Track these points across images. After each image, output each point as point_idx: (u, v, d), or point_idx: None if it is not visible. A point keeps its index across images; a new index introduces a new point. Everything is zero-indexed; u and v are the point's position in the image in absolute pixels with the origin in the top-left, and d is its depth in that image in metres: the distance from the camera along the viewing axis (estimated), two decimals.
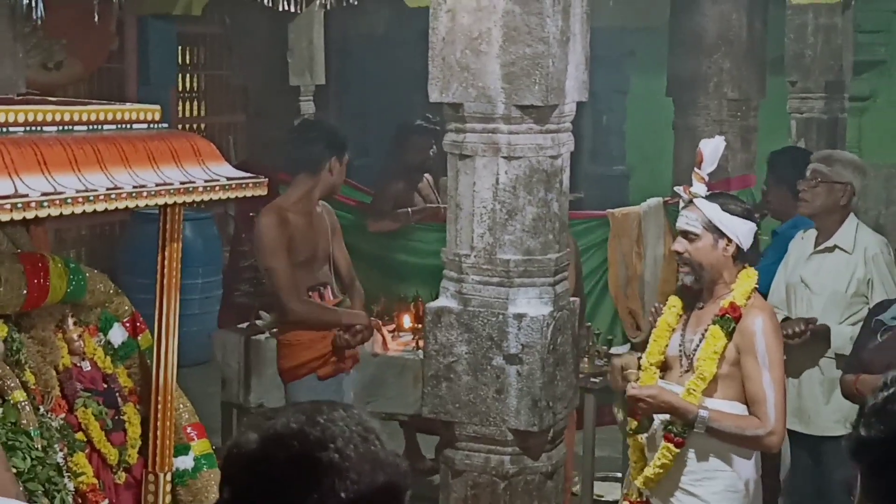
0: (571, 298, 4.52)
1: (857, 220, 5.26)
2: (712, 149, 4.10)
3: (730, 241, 4.01)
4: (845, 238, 5.18)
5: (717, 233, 4.00)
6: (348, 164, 5.56)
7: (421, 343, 5.59)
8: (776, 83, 8.08)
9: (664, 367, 4.13)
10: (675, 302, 4.17)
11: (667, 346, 4.12)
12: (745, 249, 4.08)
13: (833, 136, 8.25)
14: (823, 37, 8.23)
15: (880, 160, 9.95)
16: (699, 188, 4.06)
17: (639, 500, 4.14)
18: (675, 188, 4.23)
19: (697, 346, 4.02)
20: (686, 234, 4.04)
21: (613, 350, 6.01)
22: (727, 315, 3.96)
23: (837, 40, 8.25)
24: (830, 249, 5.20)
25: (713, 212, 4.00)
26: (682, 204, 4.12)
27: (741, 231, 4.02)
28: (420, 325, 5.88)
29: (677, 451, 3.96)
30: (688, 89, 7.33)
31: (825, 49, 8.22)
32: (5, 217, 2.82)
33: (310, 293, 5.41)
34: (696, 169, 4.10)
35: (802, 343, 5.05)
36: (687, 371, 4.04)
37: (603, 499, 6.11)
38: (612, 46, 10.34)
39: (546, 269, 4.28)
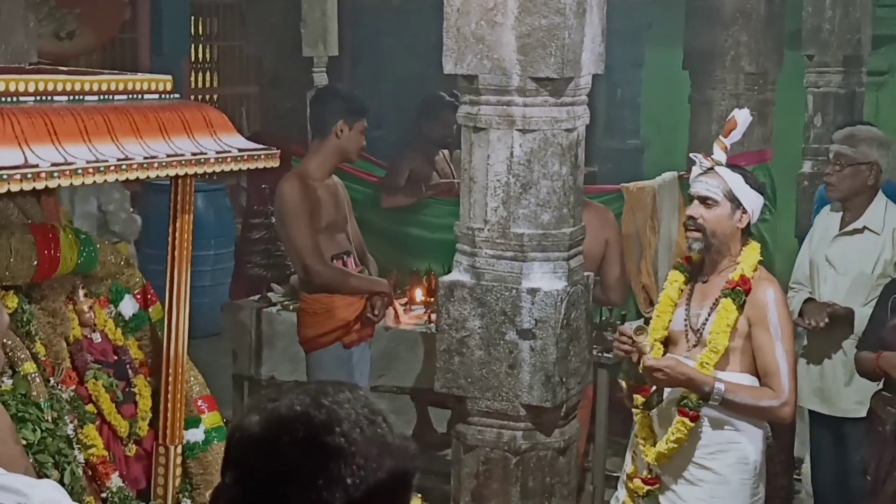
0: (585, 273, 4.49)
1: (885, 199, 5.17)
2: (743, 120, 4.08)
3: (744, 212, 3.99)
4: (874, 218, 5.10)
5: (736, 203, 3.99)
6: (364, 131, 5.50)
7: (433, 317, 5.58)
8: (793, 57, 8.01)
9: (668, 343, 4.10)
10: (676, 276, 4.15)
11: (670, 321, 4.10)
12: (752, 224, 4.07)
13: (850, 110, 8.19)
14: (841, 10, 8.16)
15: None
16: (720, 156, 4.04)
17: (650, 477, 4.11)
18: (692, 155, 4.18)
19: (706, 320, 3.99)
20: (704, 200, 4.01)
21: (626, 325, 5.98)
22: (738, 287, 3.94)
23: (856, 14, 8.18)
24: (859, 230, 5.12)
25: (737, 182, 3.99)
26: (697, 170, 4.08)
27: (756, 205, 4.04)
28: (432, 299, 5.87)
29: (692, 424, 3.94)
30: (704, 62, 7.26)
31: (843, 23, 8.15)
32: (16, 187, 2.80)
33: (333, 261, 5.41)
34: (721, 137, 4.07)
35: (825, 326, 5.01)
36: (695, 345, 4.02)
37: (615, 474, 6.08)
38: (629, 18, 10.27)
39: (560, 243, 4.25)
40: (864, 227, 5.11)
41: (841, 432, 5.18)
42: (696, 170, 4.10)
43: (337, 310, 5.37)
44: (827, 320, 5.01)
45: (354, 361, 5.46)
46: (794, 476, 5.81)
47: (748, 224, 4.04)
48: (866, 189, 5.11)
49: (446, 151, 7.20)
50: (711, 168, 4.03)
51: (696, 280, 4.11)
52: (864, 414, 5.03)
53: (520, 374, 4.23)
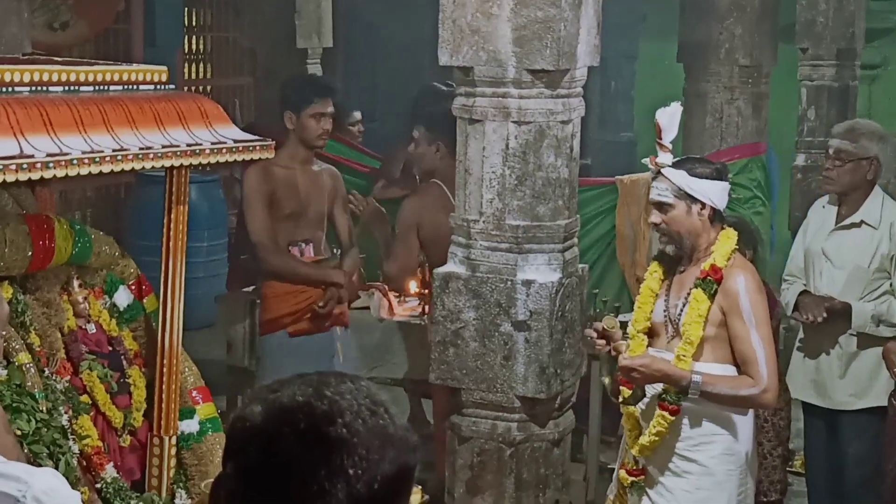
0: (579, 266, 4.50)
1: (882, 194, 5.16)
2: (669, 117, 4.07)
3: (703, 204, 3.98)
4: (871, 213, 5.08)
5: (689, 199, 3.97)
6: (320, 116, 5.43)
7: (427, 308, 5.56)
8: (787, 50, 8.02)
9: (651, 334, 4.10)
10: (655, 267, 4.15)
11: (652, 312, 4.10)
12: (721, 209, 4.04)
13: (844, 103, 8.20)
14: (835, 4, 8.17)
15: (890, 128, 9.85)
16: (665, 157, 4.02)
17: (634, 468, 4.12)
18: (643, 160, 4.18)
19: (682, 310, 3.99)
20: (659, 206, 4.01)
21: (620, 318, 5.99)
22: (709, 277, 3.94)
23: (849, 7, 8.19)
24: (857, 224, 5.11)
25: (681, 178, 3.97)
26: (651, 175, 4.09)
27: (713, 192, 3.99)
28: (426, 291, 5.86)
29: (672, 418, 3.94)
30: (699, 55, 7.27)
31: (837, 16, 8.16)
32: (10, 178, 2.80)
33: (289, 248, 5.41)
34: (657, 139, 4.06)
35: (823, 321, 5.01)
36: (674, 337, 4.02)
37: (609, 466, 6.10)
38: (624, 11, 10.26)
39: (555, 235, 4.25)
40: (862, 221, 5.10)
41: (835, 425, 5.18)
42: (650, 175, 4.11)
43: (287, 296, 5.37)
44: (825, 314, 5.01)
45: (307, 356, 5.32)
46: (787, 468, 5.82)
47: (714, 212, 4.01)
48: (864, 183, 5.10)
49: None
50: (659, 172, 4.03)
51: (676, 271, 4.11)
52: (858, 406, 5.05)
53: (514, 365, 4.23)
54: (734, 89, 7.12)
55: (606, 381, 4.10)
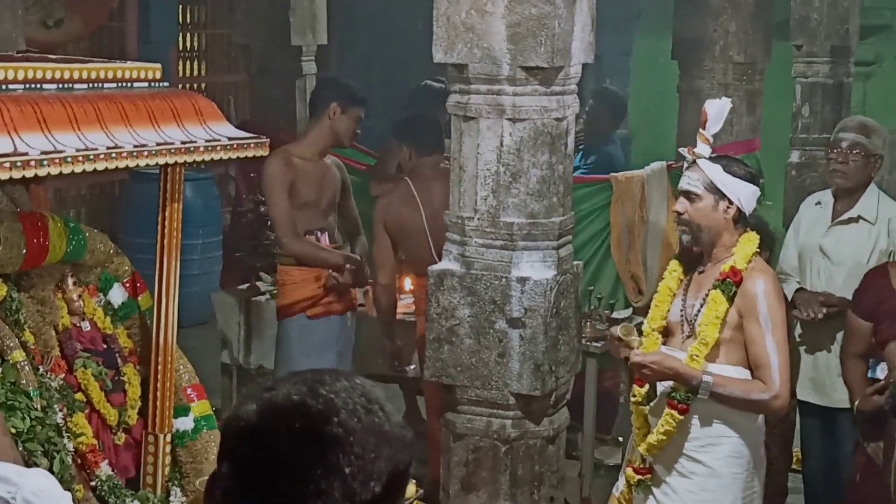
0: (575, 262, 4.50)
1: (878, 190, 5.15)
2: (717, 109, 4.05)
3: (731, 203, 3.97)
4: (868, 208, 5.08)
5: (718, 194, 3.96)
6: (358, 120, 5.59)
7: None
8: (782, 47, 8.02)
9: (666, 333, 4.09)
10: (675, 266, 4.14)
11: (668, 311, 4.09)
12: (747, 213, 4.03)
13: (838, 100, 8.20)
14: (830, 1, 8.17)
15: (884, 125, 9.89)
16: (703, 149, 4.02)
17: (641, 466, 4.11)
18: (680, 149, 4.19)
19: (699, 311, 3.98)
20: (687, 195, 4.00)
21: (615, 315, 6.00)
22: (728, 279, 3.92)
23: (844, 4, 8.20)
24: (854, 220, 5.10)
25: (715, 172, 3.96)
26: (685, 164, 4.08)
27: (743, 194, 3.98)
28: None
29: (681, 417, 3.93)
30: (693, 52, 7.26)
31: (831, 13, 8.17)
32: (4, 175, 2.80)
33: (307, 235, 5.53)
34: (700, 130, 4.05)
35: (823, 317, 5.00)
36: (689, 337, 4.01)
37: (603, 462, 6.11)
38: (618, 8, 10.27)
39: (550, 232, 4.25)
40: (859, 217, 5.10)
41: (832, 423, 5.17)
42: (685, 164, 4.10)
43: (304, 282, 5.49)
44: (825, 311, 5.00)
45: (326, 336, 5.50)
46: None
47: (740, 213, 4.02)
48: (867, 180, 5.11)
49: None
50: (695, 162, 4.02)
51: (695, 270, 4.10)
52: None
53: (509, 362, 4.23)
54: (728, 86, 7.10)
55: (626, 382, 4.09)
